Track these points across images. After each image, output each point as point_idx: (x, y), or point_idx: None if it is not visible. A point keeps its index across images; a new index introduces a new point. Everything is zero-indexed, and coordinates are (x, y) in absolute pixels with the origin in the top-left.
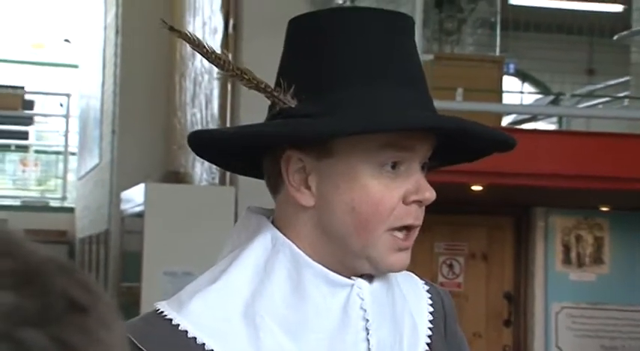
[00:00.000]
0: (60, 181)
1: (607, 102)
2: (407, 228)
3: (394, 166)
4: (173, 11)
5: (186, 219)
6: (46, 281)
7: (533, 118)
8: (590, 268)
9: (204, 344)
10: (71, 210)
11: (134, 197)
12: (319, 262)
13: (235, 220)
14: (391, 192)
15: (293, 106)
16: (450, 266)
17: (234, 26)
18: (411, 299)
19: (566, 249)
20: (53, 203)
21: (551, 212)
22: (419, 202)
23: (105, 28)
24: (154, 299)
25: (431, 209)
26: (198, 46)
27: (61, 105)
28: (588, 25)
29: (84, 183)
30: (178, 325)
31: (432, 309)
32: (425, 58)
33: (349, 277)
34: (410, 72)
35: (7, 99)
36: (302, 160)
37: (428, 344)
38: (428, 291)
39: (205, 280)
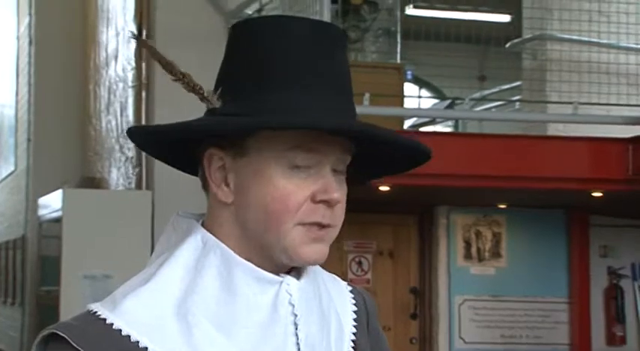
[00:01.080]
0: None
1: (499, 105)
2: (317, 225)
3: (304, 168)
4: (86, 21)
5: (104, 223)
6: None
7: (432, 122)
8: (490, 262)
9: (138, 342)
10: None
11: (51, 203)
12: (248, 259)
13: (152, 223)
14: (299, 191)
15: (217, 107)
16: (359, 263)
17: (147, 36)
18: (337, 299)
19: (467, 244)
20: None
21: (453, 210)
22: (326, 202)
23: (18, 37)
24: (73, 302)
25: None
26: (154, 54)
27: None
28: (481, 34)
29: (3, 188)
30: (112, 324)
31: (355, 308)
32: None
33: (278, 274)
34: (333, 79)
35: None
36: (222, 158)
37: (353, 341)
38: (351, 291)
39: (137, 282)
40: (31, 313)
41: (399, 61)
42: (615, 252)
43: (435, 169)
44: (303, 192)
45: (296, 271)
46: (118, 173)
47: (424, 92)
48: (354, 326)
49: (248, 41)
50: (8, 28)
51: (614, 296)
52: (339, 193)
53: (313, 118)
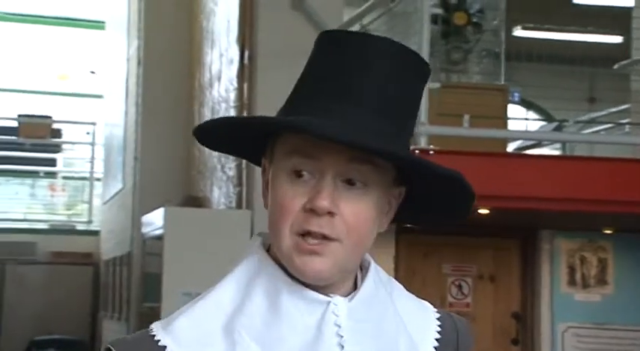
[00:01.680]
0: (86, 206)
1: (609, 128)
2: (310, 234)
3: (302, 175)
4: (192, 43)
5: (204, 241)
6: None
7: (538, 145)
8: (595, 289)
9: None
10: (96, 233)
11: (154, 221)
12: (294, 279)
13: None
14: (295, 198)
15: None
16: (459, 287)
17: (250, 57)
18: (413, 322)
19: (572, 270)
20: (80, 227)
21: (557, 235)
22: (312, 211)
23: (128, 59)
24: (171, 313)
25: (439, 231)
26: None
27: (88, 133)
28: (589, 56)
29: (109, 207)
30: (159, 341)
31: (439, 336)
32: (431, 86)
33: (327, 295)
34: (373, 98)
35: (36, 128)
36: (265, 164)
37: None
38: (439, 319)
39: (195, 300)
40: (135, 328)
41: (502, 82)
42: None
43: (539, 192)
44: (297, 200)
45: (355, 291)
46: (220, 192)
47: (531, 114)
48: None
49: (313, 52)
50: (119, 50)
51: None
52: (328, 201)
53: (301, 121)
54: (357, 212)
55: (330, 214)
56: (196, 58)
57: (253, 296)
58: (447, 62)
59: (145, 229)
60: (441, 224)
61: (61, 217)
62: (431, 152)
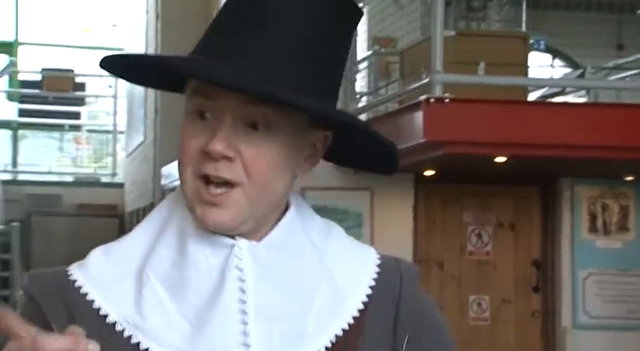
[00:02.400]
0: (110, 159)
1: (635, 75)
2: (206, 178)
3: (202, 116)
4: None
5: None
6: None
7: (562, 93)
8: (616, 235)
9: (86, 294)
10: (121, 185)
11: (173, 172)
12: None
13: None
14: (194, 139)
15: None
16: (479, 235)
17: None
18: (345, 270)
19: (593, 217)
20: (104, 179)
21: (577, 182)
22: (208, 156)
23: (147, 12)
24: None
25: (458, 180)
26: None
27: (110, 86)
28: (617, 2)
29: (132, 159)
30: (70, 275)
31: (374, 284)
32: (446, 34)
33: (233, 237)
34: (273, 28)
35: (60, 81)
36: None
37: (355, 318)
38: (379, 265)
39: (116, 241)
40: None
41: (524, 29)
42: None
43: (559, 139)
44: (195, 141)
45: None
46: None
47: (557, 62)
48: (364, 303)
49: None
50: (139, 4)
51: None
52: (222, 144)
53: (188, 62)
54: (258, 156)
55: (227, 158)
56: (212, 9)
57: (165, 238)
58: (466, 10)
59: (164, 181)
60: (377, 171)
61: (86, 170)
62: (446, 100)
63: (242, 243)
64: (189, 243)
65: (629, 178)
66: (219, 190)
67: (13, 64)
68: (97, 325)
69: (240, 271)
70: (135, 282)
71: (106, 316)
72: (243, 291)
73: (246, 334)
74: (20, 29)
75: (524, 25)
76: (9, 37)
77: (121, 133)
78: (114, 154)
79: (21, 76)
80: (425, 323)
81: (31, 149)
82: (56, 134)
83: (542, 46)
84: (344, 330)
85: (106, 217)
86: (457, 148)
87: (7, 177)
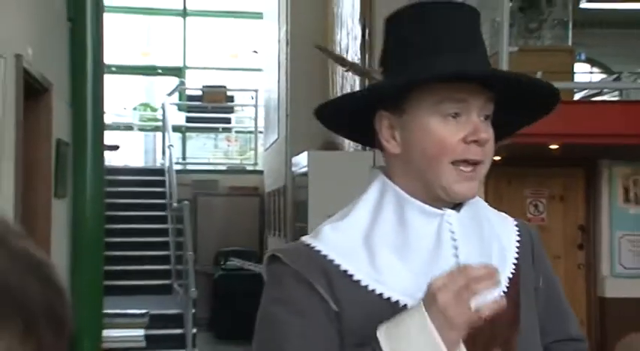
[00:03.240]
0: (252, 152)
1: None
2: (468, 162)
3: (456, 115)
4: (326, 26)
5: (338, 175)
6: None
7: (600, 94)
8: None
9: (332, 260)
10: (261, 172)
11: (301, 161)
12: (415, 198)
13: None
14: (453, 134)
15: (379, 78)
16: (536, 206)
17: (369, 34)
18: (500, 229)
19: (626, 190)
20: (248, 167)
21: (614, 163)
22: (476, 142)
23: (279, 41)
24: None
25: (520, 164)
26: (330, 54)
27: (252, 98)
28: None
29: (269, 152)
30: (313, 246)
31: (519, 238)
32: (510, 49)
33: (440, 209)
34: (466, 42)
35: (215, 95)
36: (389, 118)
37: (515, 264)
38: (516, 225)
39: (336, 218)
40: (291, 241)
41: (570, 45)
42: None
43: (598, 130)
44: (456, 135)
45: (458, 207)
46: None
47: (595, 70)
48: (517, 252)
49: (399, 26)
50: (273, 34)
51: None
52: (486, 133)
53: (457, 69)
54: (491, 140)
55: (485, 142)
56: (329, 37)
57: (384, 213)
58: (525, 31)
59: (294, 168)
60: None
61: (234, 161)
62: None
63: (450, 212)
64: (407, 215)
65: None
66: (470, 168)
67: (181, 83)
68: (347, 282)
69: (452, 233)
70: (365, 248)
71: (352, 276)
72: (455, 248)
73: None
74: (187, 57)
75: (570, 41)
76: (178, 63)
77: (260, 132)
78: (255, 149)
79: (187, 92)
80: (545, 261)
81: (195, 147)
82: (212, 135)
83: (582, 58)
84: (512, 272)
85: (250, 196)
86: (520, 138)
87: (179, 167)
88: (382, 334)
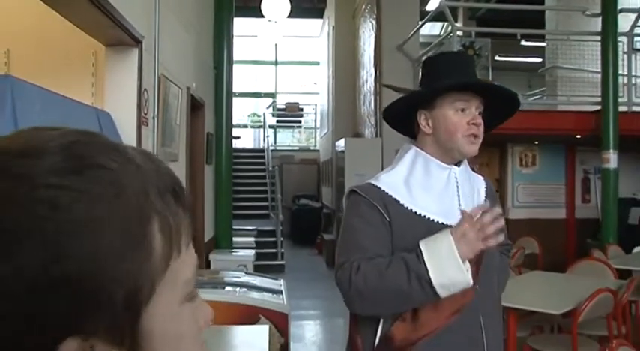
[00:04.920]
0: (313, 139)
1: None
2: (472, 135)
3: (463, 110)
4: (355, 68)
5: (362, 151)
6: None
7: None
8: (531, 166)
9: (387, 192)
10: (318, 151)
11: (341, 144)
12: (437, 159)
13: (382, 153)
14: (462, 120)
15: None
16: (472, 169)
17: (380, 73)
18: (476, 182)
19: (520, 160)
20: (311, 148)
21: (514, 145)
22: (475, 124)
23: (328, 76)
24: (350, 183)
25: None
26: (388, 86)
27: (313, 109)
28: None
29: (323, 139)
30: (376, 185)
31: (485, 187)
32: None
33: (449, 165)
34: (465, 70)
35: (293, 107)
36: (424, 113)
37: (485, 200)
38: (484, 180)
39: (387, 170)
40: (335, 190)
41: (490, 80)
42: (587, 163)
43: (506, 127)
44: (464, 120)
45: (457, 165)
46: (368, 130)
47: None
48: (484, 197)
49: (427, 64)
50: (325, 74)
51: (586, 181)
52: (480, 120)
53: (461, 84)
54: (482, 125)
55: (480, 125)
56: (357, 75)
57: (417, 167)
58: None
59: (337, 148)
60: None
61: (303, 144)
62: None
63: (454, 168)
64: (431, 168)
65: (536, 143)
66: (474, 139)
67: (274, 101)
68: (396, 205)
69: (456, 179)
70: (405, 187)
71: (399, 202)
72: (457, 187)
73: (459, 201)
74: (277, 86)
75: (490, 78)
76: (272, 90)
77: (318, 128)
78: (315, 137)
79: (278, 106)
80: (496, 201)
81: (282, 136)
82: (291, 130)
83: None
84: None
85: (312, 165)
86: None
87: (272, 148)
88: (423, 244)
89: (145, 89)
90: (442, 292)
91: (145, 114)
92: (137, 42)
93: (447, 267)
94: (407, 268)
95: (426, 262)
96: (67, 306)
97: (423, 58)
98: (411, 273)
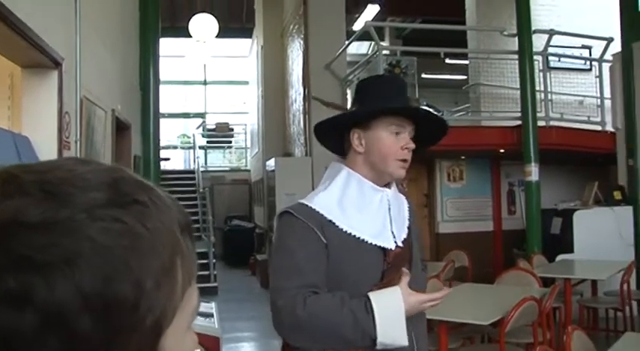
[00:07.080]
0: (244, 159)
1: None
2: (404, 161)
3: (397, 133)
4: (283, 87)
5: (291, 171)
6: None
7: None
8: (459, 181)
9: (322, 213)
10: (249, 170)
11: (271, 163)
12: (369, 180)
13: (312, 172)
14: (396, 144)
15: (343, 111)
16: (401, 184)
17: (308, 92)
18: (401, 201)
19: (448, 175)
20: (242, 168)
21: (442, 160)
22: (407, 149)
23: (257, 96)
24: (281, 205)
25: None
26: (320, 101)
27: (243, 129)
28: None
29: (254, 159)
30: (310, 206)
31: (408, 207)
32: None
33: (382, 187)
34: (398, 95)
35: (223, 127)
36: (358, 133)
37: (408, 225)
38: (406, 199)
39: (318, 190)
40: (267, 210)
41: (417, 96)
42: (512, 176)
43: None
44: (398, 144)
45: (387, 186)
46: (298, 150)
47: (432, 110)
48: (408, 217)
49: (363, 86)
50: (254, 93)
51: (511, 193)
52: (412, 145)
53: (404, 108)
54: (412, 150)
55: (411, 150)
56: (286, 94)
57: (350, 188)
58: None
59: (267, 168)
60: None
61: (234, 164)
62: None
63: (387, 190)
64: (365, 190)
65: (463, 158)
66: (404, 163)
67: (204, 122)
68: (331, 227)
69: (388, 201)
70: (340, 208)
71: (334, 223)
72: (389, 209)
73: (390, 222)
74: (207, 107)
75: (417, 94)
76: (202, 110)
77: (248, 148)
78: (246, 157)
79: (208, 126)
80: (416, 222)
81: (212, 157)
82: (221, 150)
83: (424, 103)
84: (407, 227)
85: (243, 184)
86: None
87: (203, 169)
88: (374, 301)
89: (67, 112)
90: (380, 347)
91: (67, 137)
92: (57, 64)
93: (393, 328)
94: (354, 320)
95: (376, 321)
96: (110, 328)
97: (359, 79)
98: (358, 326)
